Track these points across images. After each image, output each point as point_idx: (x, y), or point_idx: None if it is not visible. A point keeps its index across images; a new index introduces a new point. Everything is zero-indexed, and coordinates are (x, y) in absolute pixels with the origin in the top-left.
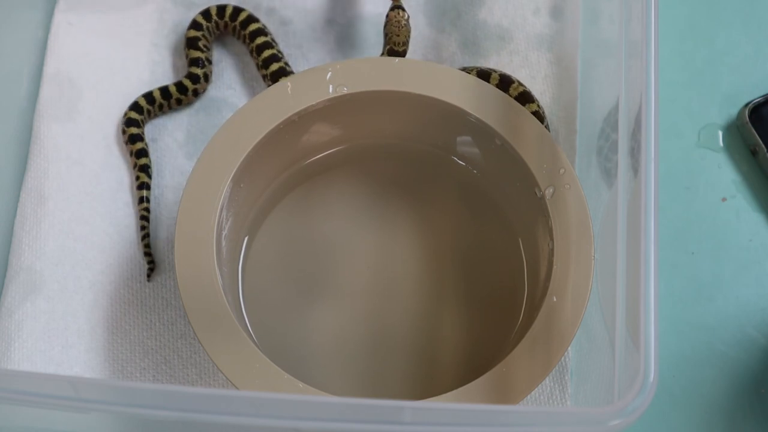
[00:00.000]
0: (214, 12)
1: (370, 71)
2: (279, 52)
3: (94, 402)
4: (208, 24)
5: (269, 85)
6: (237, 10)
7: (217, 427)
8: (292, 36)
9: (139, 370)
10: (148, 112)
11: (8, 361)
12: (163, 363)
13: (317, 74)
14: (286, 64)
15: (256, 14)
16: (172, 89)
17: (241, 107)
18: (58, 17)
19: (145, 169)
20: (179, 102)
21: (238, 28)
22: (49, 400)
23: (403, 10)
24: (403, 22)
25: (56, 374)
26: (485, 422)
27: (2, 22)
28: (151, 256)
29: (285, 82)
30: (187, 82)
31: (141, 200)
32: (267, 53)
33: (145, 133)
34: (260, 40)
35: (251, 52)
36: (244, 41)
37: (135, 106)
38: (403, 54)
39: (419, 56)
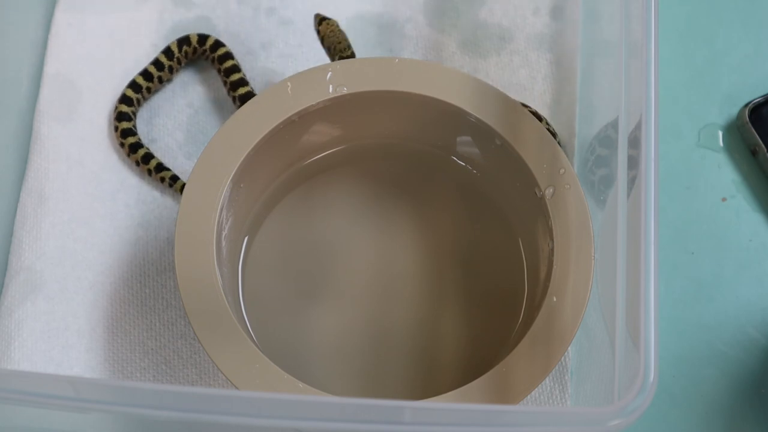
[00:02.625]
0: (195, 40)
1: (370, 71)
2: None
3: (94, 402)
4: (197, 48)
5: (238, 107)
6: (203, 37)
7: (217, 427)
8: (292, 36)
9: (139, 370)
10: (134, 113)
11: (8, 361)
12: (163, 363)
13: (317, 74)
14: (252, 89)
15: (256, 15)
16: (140, 80)
17: (241, 107)
18: (59, 18)
19: (161, 168)
20: (150, 90)
21: (208, 52)
22: (49, 400)
23: (329, 18)
24: (337, 29)
25: (56, 374)
26: (485, 422)
27: (2, 22)
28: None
29: (285, 82)
30: (152, 69)
31: (174, 180)
32: (235, 77)
33: (145, 134)
34: (228, 63)
35: (219, 72)
36: (213, 63)
37: (123, 116)
38: (352, 57)
39: (419, 56)
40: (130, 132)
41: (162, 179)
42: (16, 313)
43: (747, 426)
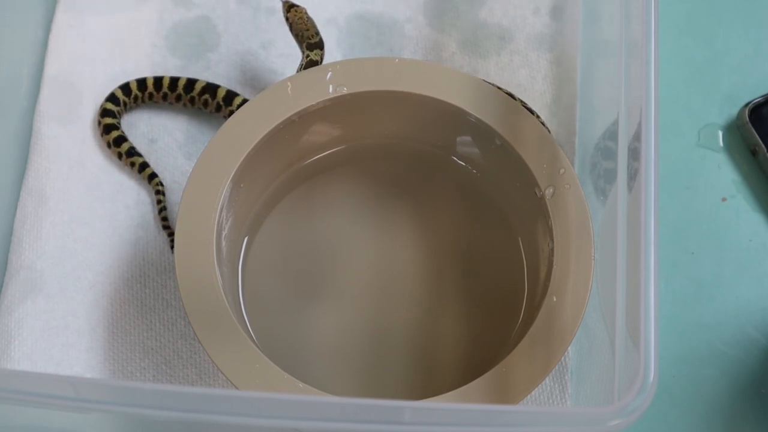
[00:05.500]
0: (151, 83)
1: (370, 71)
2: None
3: (94, 402)
4: (151, 94)
5: None
6: (174, 80)
7: (217, 427)
8: (292, 35)
9: (139, 370)
10: (125, 103)
11: (8, 359)
12: (163, 363)
13: (317, 74)
14: (244, 97)
15: (256, 14)
16: (133, 85)
17: (241, 107)
18: (59, 18)
19: (132, 153)
20: (151, 97)
21: (181, 93)
22: (49, 400)
23: (297, 5)
24: (305, 16)
25: (56, 374)
26: (485, 422)
27: (3, 22)
28: (170, 229)
29: (285, 82)
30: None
31: (151, 177)
32: (222, 91)
33: (146, 133)
34: (201, 83)
35: (205, 103)
36: (193, 103)
37: (111, 98)
38: (320, 43)
39: (419, 56)
40: (111, 113)
41: (132, 164)
42: (16, 312)
43: (747, 426)
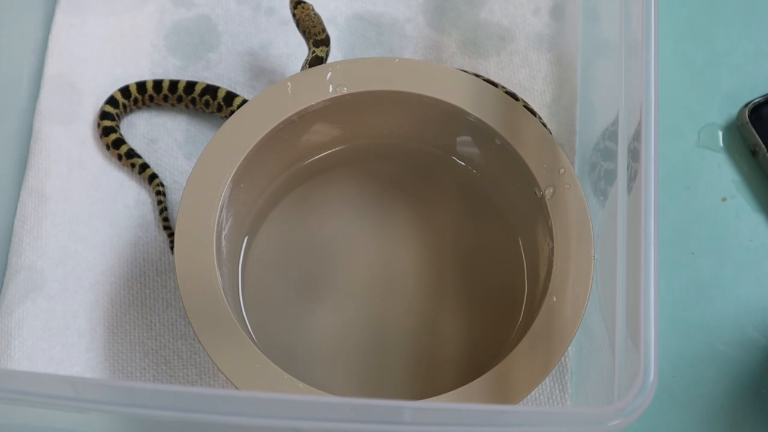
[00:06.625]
0: (150, 86)
1: (370, 71)
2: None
3: (94, 402)
4: (151, 96)
5: None
6: (174, 83)
7: (217, 427)
8: (292, 36)
9: (139, 370)
10: (124, 106)
11: (8, 359)
12: (163, 363)
13: (317, 74)
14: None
15: (256, 14)
16: (133, 88)
17: (241, 107)
18: (59, 19)
19: (132, 154)
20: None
21: (181, 95)
22: (49, 400)
23: (305, 2)
24: (312, 13)
25: (56, 374)
26: (485, 422)
27: (3, 22)
28: (170, 230)
29: (285, 82)
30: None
31: (152, 178)
32: (222, 92)
33: (146, 133)
34: (201, 85)
35: (206, 103)
36: (195, 104)
37: (110, 101)
38: (326, 40)
39: (419, 56)
40: (110, 116)
41: (132, 165)
42: (16, 312)
43: (747, 426)
